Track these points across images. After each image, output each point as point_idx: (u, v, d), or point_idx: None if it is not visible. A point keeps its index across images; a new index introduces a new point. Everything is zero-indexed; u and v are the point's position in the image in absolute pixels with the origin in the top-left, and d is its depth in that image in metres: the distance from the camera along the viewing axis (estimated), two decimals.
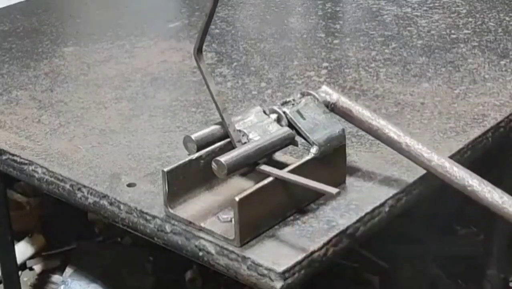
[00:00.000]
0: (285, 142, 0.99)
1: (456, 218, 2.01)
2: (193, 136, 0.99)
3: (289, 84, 1.39)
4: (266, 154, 0.97)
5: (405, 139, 0.99)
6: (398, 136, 1.00)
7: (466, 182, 0.94)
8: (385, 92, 1.34)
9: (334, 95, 1.04)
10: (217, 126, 1.01)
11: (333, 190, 0.88)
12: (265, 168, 0.95)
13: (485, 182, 0.94)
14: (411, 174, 1.06)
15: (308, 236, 0.94)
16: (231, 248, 0.92)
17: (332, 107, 1.04)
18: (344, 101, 1.04)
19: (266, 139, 0.97)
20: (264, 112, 1.02)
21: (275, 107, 1.02)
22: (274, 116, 1.01)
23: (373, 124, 1.02)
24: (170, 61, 1.53)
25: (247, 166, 0.96)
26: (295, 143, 1.00)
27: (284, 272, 0.88)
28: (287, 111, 1.00)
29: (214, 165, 0.92)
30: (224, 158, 0.92)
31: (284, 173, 0.93)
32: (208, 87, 0.98)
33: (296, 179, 0.92)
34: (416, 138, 1.00)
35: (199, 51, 0.96)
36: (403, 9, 1.77)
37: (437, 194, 1.14)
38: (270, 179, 0.93)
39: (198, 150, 0.98)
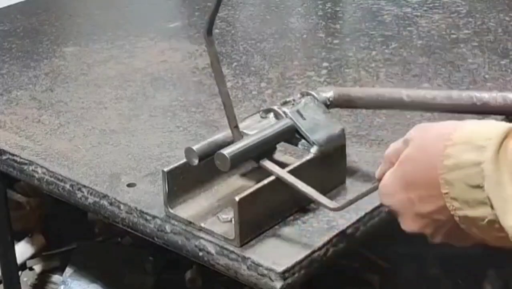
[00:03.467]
0: (286, 134, 0.98)
1: None
2: (194, 148, 0.95)
3: (289, 84, 1.39)
4: (268, 147, 0.97)
5: (405, 92, 1.01)
6: (397, 92, 1.02)
7: (473, 98, 1.00)
8: None
9: (330, 90, 1.05)
10: (218, 136, 0.97)
11: (332, 204, 0.88)
12: (268, 164, 0.94)
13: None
14: None
15: (308, 236, 0.94)
16: (231, 248, 0.92)
17: (331, 101, 1.05)
18: (341, 89, 1.05)
19: (268, 132, 0.97)
20: (264, 112, 1.02)
21: (275, 107, 1.02)
22: (273, 116, 1.01)
23: (371, 94, 1.02)
24: (170, 61, 1.53)
25: (249, 159, 0.95)
26: (296, 137, 0.99)
27: (284, 272, 0.88)
28: (287, 111, 1.00)
29: (216, 159, 0.91)
30: (226, 151, 0.91)
31: (286, 175, 0.93)
32: (214, 70, 0.94)
33: (298, 185, 0.91)
34: None
35: (208, 33, 0.91)
36: (403, 9, 1.76)
37: None
38: (270, 179, 0.93)
39: (200, 161, 0.95)
